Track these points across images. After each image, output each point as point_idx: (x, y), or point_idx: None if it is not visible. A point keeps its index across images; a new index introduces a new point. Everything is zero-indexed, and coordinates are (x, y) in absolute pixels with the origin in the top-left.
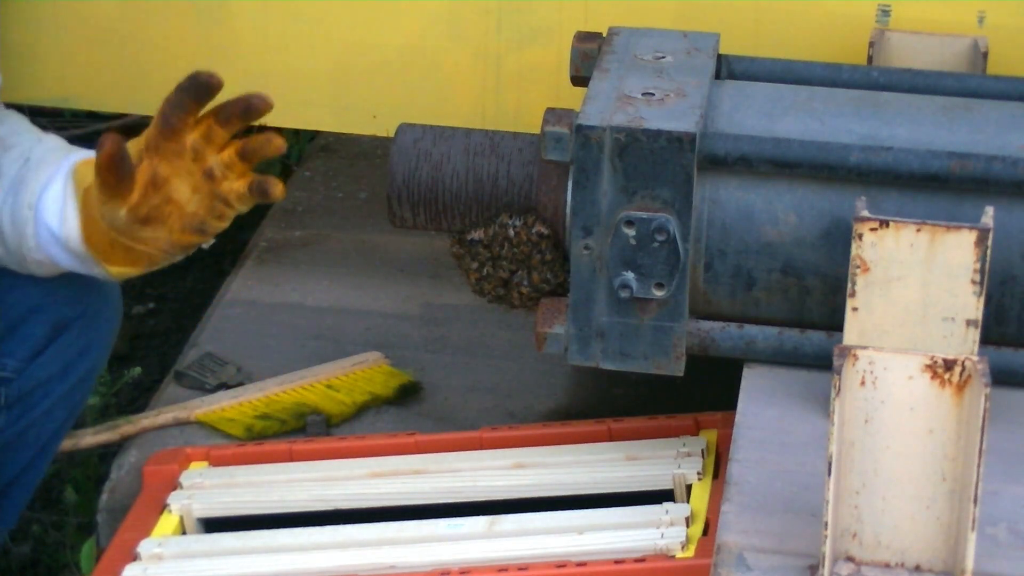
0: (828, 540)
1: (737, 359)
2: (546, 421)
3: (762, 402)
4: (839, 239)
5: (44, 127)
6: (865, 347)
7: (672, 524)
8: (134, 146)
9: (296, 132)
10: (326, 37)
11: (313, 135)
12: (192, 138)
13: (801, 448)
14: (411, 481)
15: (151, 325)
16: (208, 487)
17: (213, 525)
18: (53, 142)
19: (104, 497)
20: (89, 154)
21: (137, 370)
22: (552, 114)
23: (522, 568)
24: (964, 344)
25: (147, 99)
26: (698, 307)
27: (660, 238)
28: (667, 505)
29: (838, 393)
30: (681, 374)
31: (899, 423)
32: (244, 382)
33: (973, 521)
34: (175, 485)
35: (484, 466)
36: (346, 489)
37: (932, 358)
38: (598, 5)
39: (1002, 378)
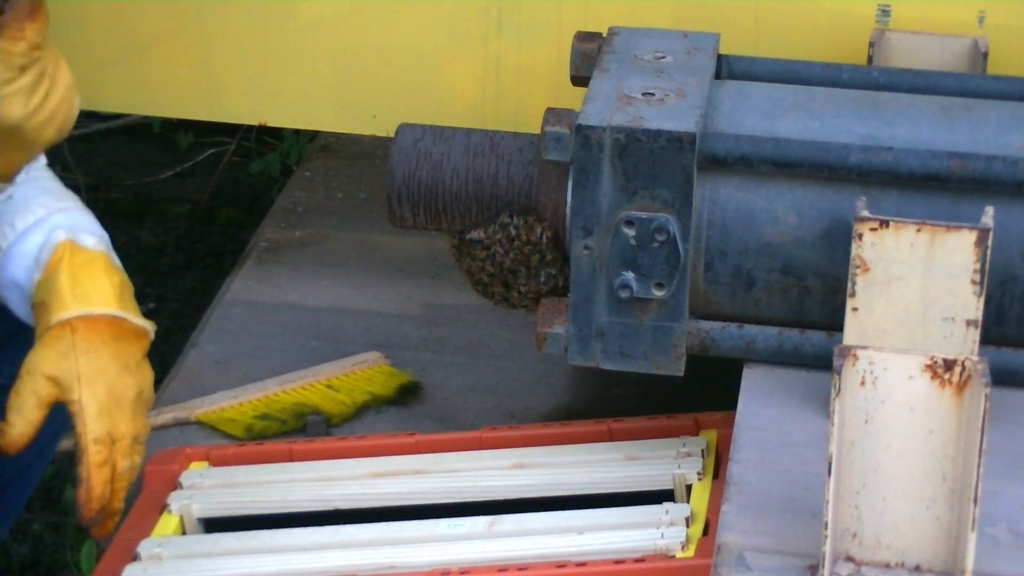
0: (828, 540)
1: (737, 359)
2: (546, 421)
3: (762, 402)
4: (839, 239)
5: None
6: (865, 347)
7: (672, 524)
8: None
9: (296, 132)
10: (326, 37)
11: (313, 135)
12: None
13: (801, 448)
14: (411, 481)
15: None
16: (208, 487)
17: (213, 525)
18: (44, 183)
19: None
20: (69, 225)
21: None
22: (552, 114)
23: (522, 568)
24: (964, 344)
25: (147, 99)
26: (698, 307)
27: (660, 238)
28: (667, 505)
29: (838, 393)
30: (681, 374)
31: (899, 423)
32: None
33: (973, 521)
34: (175, 485)
35: (484, 466)
36: (346, 489)
37: (932, 358)
38: (598, 5)
39: (1002, 378)
